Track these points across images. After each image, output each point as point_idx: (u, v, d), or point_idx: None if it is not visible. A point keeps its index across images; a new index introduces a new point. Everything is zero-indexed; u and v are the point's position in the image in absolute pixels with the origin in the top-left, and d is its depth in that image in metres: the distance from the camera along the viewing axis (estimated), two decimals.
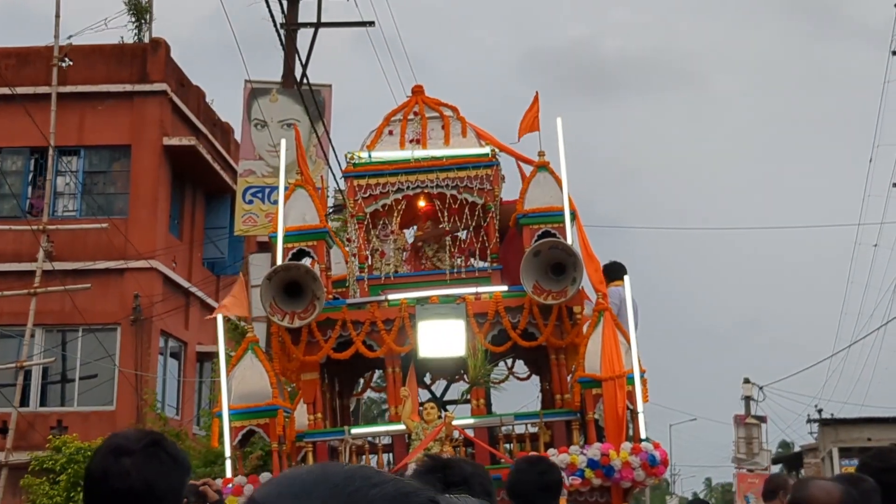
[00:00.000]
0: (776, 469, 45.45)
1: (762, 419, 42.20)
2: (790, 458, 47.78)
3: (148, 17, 25.91)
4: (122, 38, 25.92)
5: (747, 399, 42.47)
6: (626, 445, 8.64)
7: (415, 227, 10.40)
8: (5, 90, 21.28)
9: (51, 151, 22.11)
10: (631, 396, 8.81)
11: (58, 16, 22.54)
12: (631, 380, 8.80)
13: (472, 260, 9.80)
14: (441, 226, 10.01)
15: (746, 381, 42.80)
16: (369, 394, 18.15)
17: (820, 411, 38.59)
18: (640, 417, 8.89)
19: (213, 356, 24.59)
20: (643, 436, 8.84)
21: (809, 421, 39.36)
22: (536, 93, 10.05)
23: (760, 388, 41.95)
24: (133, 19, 25.96)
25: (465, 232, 9.91)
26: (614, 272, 10.08)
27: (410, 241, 10.23)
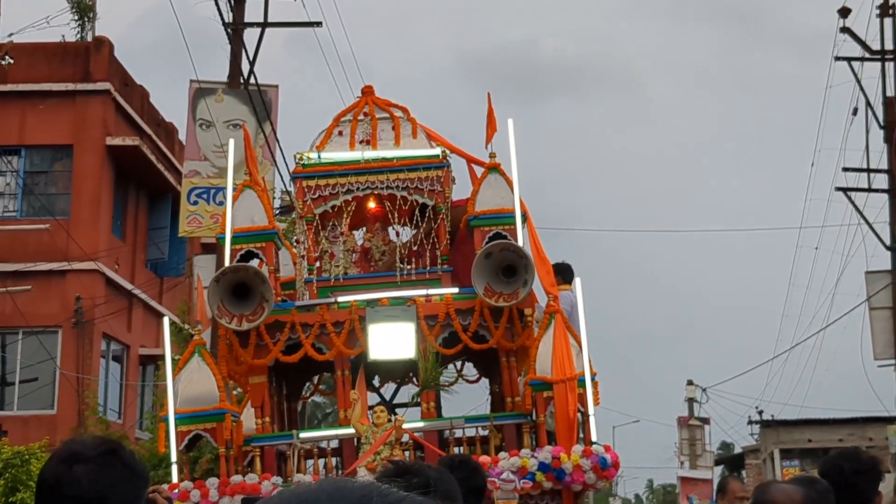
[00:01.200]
0: (718, 470, 45.89)
1: (705, 421, 42.56)
2: (732, 460, 48.25)
3: (91, 15, 25.55)
4: (63, 36, 25.53)
5: (690, 401, 42.82)
6: (578, 448, 8.62)
7: (364, 229, 10.31)
8: None
9: None
10: (582, 399, 8.80)
11: None
12: (582, 382, 8.78)
13: (418, 262, 9.71)
14: (390, 230, 9.95)
15: (690, 383, 43.14)
16: (315, 397, 18.03)
17: (761, 413, 39.01)
18: (591, 420, 8.88)
19: (156, 359, 24.30)
20: (594, 439, 8.83)
21: (751, 422, 39.78)
22: (488, 94, 10.01)
23: (703, 389, 42.31)
24: (76, 17, 25.58)
25: (415, 234, 9.82)
26: (563, 275, 10.07)
27: (360, 242, 10.13)
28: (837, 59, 25.46)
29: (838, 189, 25.86)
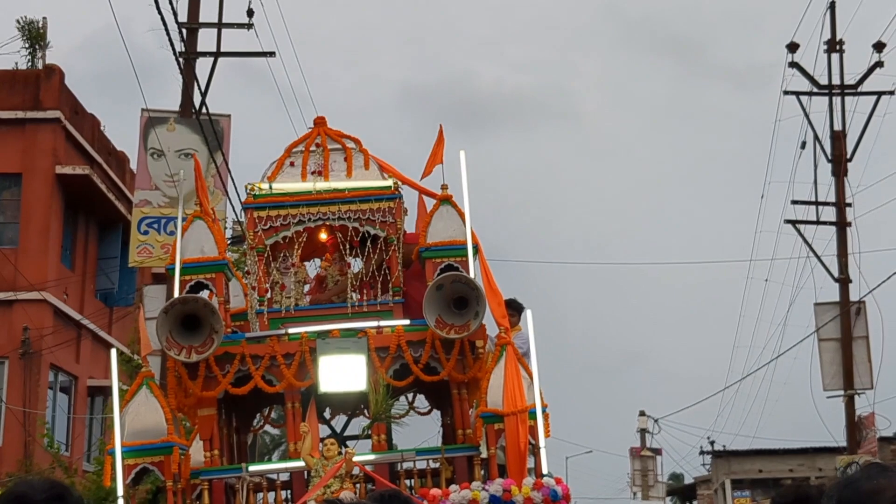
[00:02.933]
0: (669, 501, 46.03)
1: (657, 451, 42.75)
2: (684, 490, 48.44)
3: (42, 43, 25.35)
4: (16, 63, 25.31)
5: (643, 431, 43.02)
6: (528, 481, 8.60)
7: (316, 260, 10.26)
8: None
9: None
10: (533, 431, 8.78)
11: None
12: (533, 414, 8.77)
13: (370, 293, 9.68)
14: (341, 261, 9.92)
15: (642, 413, 43.37)
16: (269, 429, 17.87)
17: (713, 443, 39.21)
18: (542, 452, 8.86)
19: (105, 391, 24.01)
20: (545, 471, 8.81)
21: (702, 453, 39.97)
22: (440, 126, 10.03)
23: (655, 420, 42.53)
24: (27, 45, 25.37)
25: (367, 267, 9.78)
26: (515, 312, 10.09)
27: (312, 274, 10.08)
28: (786, 93, 25.83)
29: (787, 221, 26.17)
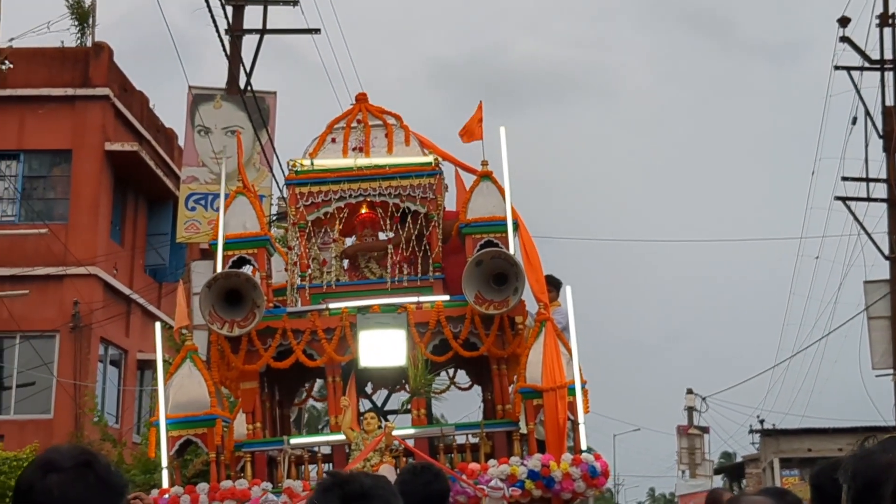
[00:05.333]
0: (718, 479, 45.84)
1: (705, 430, 42.54)
2: (732, 469, 48.19)
3: (91, 20, 25.59)
4: (63, 41, 25.57)
5: (690, 410, 42.80)
6: (567, 456, 8.62)
7: (355, 237, 10.33)
8: None
9: None
10: (572, 407, 8.79)
11: None
12: (572, 390, 8.78)
13: (409, 269, 9.71)
14: (382, 236, 9.97)
15: (689, 391, 43.13)
16: (315, 403, 18.02)
17: (762, 422, 38.98)
18: (581, 428, 8.88)
19: (153, 364, 24.30)
20: (584, 447, 8.83)
21: (751, 431, 39.75)
22: (480, 102, 10.03)
23: (703, 398, 42.29)
24: (76, 23, 25.62)
25: (407, 242, 9.81)
26: (553, 288, 10.09)
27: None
28: (837, 68, 25.47)
29: (838, 198, 25.85)
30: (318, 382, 10.83)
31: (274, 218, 19.16)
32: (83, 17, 25.53)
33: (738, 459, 46.76)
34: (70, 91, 23.82)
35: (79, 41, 25.64)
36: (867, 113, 25.08)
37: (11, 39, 22.88)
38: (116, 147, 24.04)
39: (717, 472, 47.15)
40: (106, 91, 23.99)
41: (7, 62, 22.31)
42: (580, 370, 8.96)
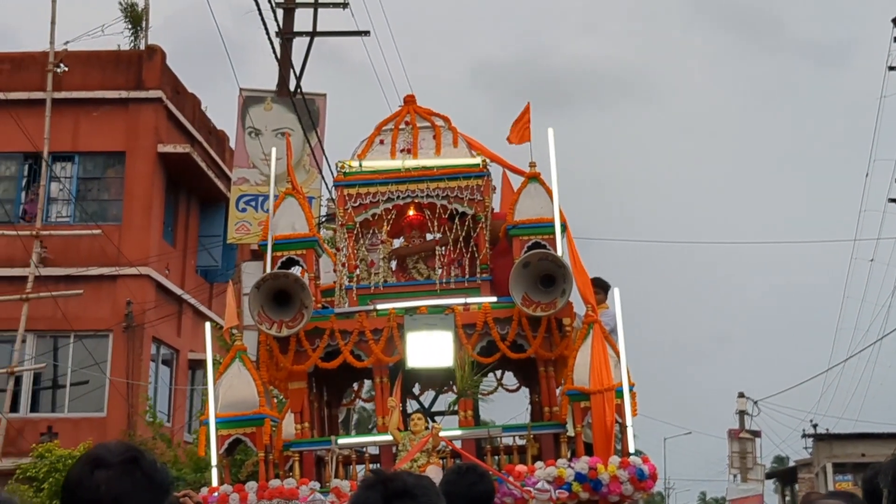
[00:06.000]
0: (770, 484, 45.39)
1: (756, 434, 42.09)
2: (784, 474, 47.69)
3: (144, 24, 25.88)
4: (118, 45, 25.89)
5: (741, 413, 42.37)
6: (615, 459, 8.58)
7: (402, 238, 10.36)
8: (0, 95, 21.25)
9: (45, 157, 22.06)
10: (620, 410, 8.76)
11: (54, 22, 22.51)
12: (620, 393, 8.75)
13: (457, 270, 9.72)
14: (429, 237, 9.99)
15: (741, 395, 42.71)
16: (365, 404, 18.09)
17: (815, 426, 38.55)
18: (629, 431, 8.84)
19: (204, 364, 24.51)
20: (632, 449, 8.79)
21: (804, 436, 39.33)
22: (528, 103, 10.02)
23: (755, 402, 41.87)
24: (129, 26, 25.93)
25: (455, 244, 9.82)
26: (600, 290, 10.04)
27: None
28: (892, 68, 25.15)
29: (892, 200, 25.53)
30: (367, 383, 10.88)
31: (323, 219, 19.29)
32: (136, 20, 25.83)
33: (791, 464, 46.27)
34: (124, 93, 24.09)
35: (132, 44, 25.95)
36: None
37: (67, 43, 23.22)
38: (169, 149, 24.29)
39: (768, 476, 46.68)
40: (159, 93, 24.24)
41: (62, 65, 22.65)
42: (628, 372, 8.92)
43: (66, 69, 22.91)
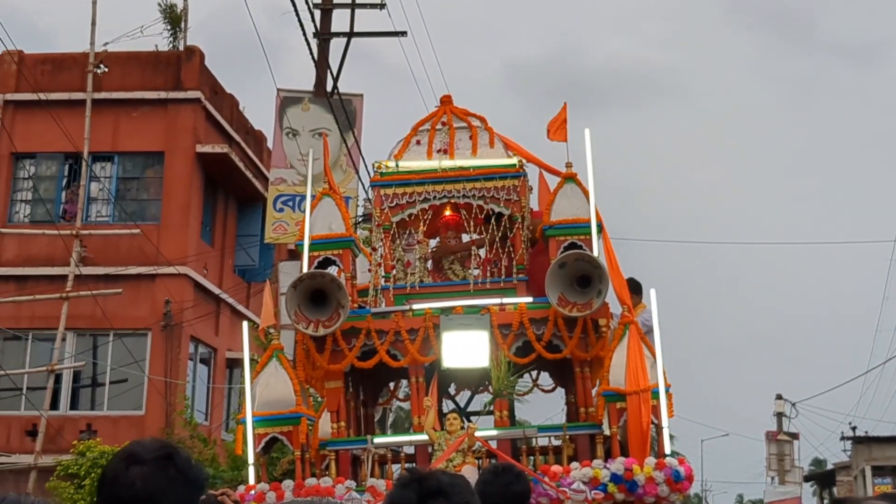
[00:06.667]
0: (808, 487, 45.04)
1: (794, 436, 41.79)
2: (823, 476, 47.32)
3: (182, 25, 26.08)
4: (157, 45, 26.11)
5: (779, 415, 42.08)
6: (650, 460, 8.56)
7: (438, 239, 10.38)
8: (38, 95, 21.48)
9: (85, 157, 22.29)
10: (656, 411, 8.73)
11: (94, 23, 22.74)
12: (656, 394, 8.72)
13: (493, 271, 9.74)
14: (465, 238, 10.01)
15: (779, 397, 42.41)
16: (402, 404, 18.14)
17: (854, 429, 38.22)
18: (665, 432, 8.81)
19: (241, 362, 24.65)
20: (668, 451, 8.76)
21: (843, 438, 38.99)
22: (565, 103, 10.00)
23: (793, 404, 41.57)
24: (168, 27, 26.15)
25: (491, 244, 9.83)
26: (636, 292, 10.01)
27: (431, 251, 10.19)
28: None
29: None
30: (403, 383, 10.91)
31: (360, 219, 19.35)
32: (175, 21, 26.04)
33: (829, 467, 45.90)
34: (163, 94, 24.30)
35: (170, 45, 26.16)
36: None
37: (106, 44, 23.45)
38: (207, 149, 24.46)
39: (807, 479, 46.34)
40: (197, 94, 24.43)
41: (102, 66, 22.88)
42: (664, 373, 8.89)
43: (106, 70, 23.14)
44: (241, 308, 26.45)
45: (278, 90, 20.09)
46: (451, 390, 10.66)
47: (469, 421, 9.67)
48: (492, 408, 9.48)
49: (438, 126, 10.07)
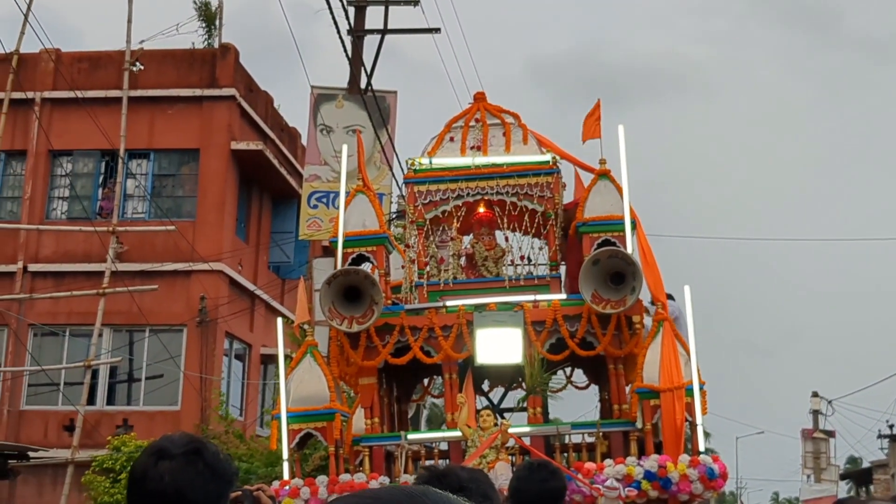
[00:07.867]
0: (843, 485, 44.68)
1: (830, 434, 41.48)
2: (859, 474, 46.89)
3: (217, 22, 26.20)
4: (192, 43, 26.24)
5: (815, 413, 41.77)
6: (684, 458, 8.54)
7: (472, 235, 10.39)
8: (75, 93, 21.66)
9: (121, 154, 22.43)
10: (690, 408, 8.70)
11: (130, 21, 22.87)
12: (690, 391, 8.70)
13: (529, 268, 9.74)
14: (499, 234, 10.01)
15: (815, 394, 42.11)
16: (435, 400, 18.15)
17: (891, 427, 37.80)
18: (699, 429, 8.78)
19: (276, 359, 24.74)
20: (702, 448, 8.73)
21: (880, 436, 38.59)
22: (598, 100, 9.98)
23: (829, 402, 41.24)
24: (203, 25, 26.27)
25: (526, 241, 9.83)
26: None
27: (465, 247, 10.21)
28: None
29: None
30: (437, 379, 10.93)
31: (393, 216, 19.37)
32: (210, 18, 26.16)
33: (866, 465, 45.48)
34: (198, 91, 24.40)
35: (205, 42, 26.28)
36: None
37: (142, 42, 23.58)
38: (242, 146, 24.56)
39: (842, 477, 45.93)
40: (232, 91, 24.52)
41: (138, 64, 23.01)
42: (698, 371, 8.86)
43: (142, 68, 23.25)
44: (275, 304, 26.54)
45: (312, 87, 20.14)
46: (485, 387, 10.66)
47: (502, 417, 9.67)
48: (525, 404, 9.49)
49: (472, 123, 10.08)
